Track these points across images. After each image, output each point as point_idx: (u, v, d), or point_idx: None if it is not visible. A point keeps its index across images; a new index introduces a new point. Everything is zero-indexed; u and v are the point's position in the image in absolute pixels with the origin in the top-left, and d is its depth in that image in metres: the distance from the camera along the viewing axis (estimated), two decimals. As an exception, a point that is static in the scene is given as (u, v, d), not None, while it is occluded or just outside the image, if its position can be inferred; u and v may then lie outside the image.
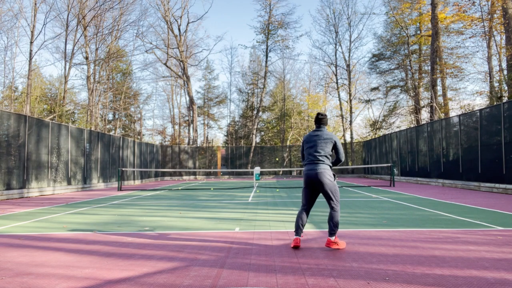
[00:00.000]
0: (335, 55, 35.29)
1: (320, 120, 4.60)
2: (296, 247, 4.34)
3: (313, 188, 4.43)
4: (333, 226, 4.26)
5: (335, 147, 4.50)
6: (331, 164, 4.45)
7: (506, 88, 19.65)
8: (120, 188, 16.45)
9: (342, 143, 33.69)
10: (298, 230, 4.39)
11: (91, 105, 26.82)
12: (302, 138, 38.79)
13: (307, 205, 4.49)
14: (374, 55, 34.92)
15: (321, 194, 4.93)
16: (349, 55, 34.65)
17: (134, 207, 9.20)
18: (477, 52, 33.07)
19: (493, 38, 21.01)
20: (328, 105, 42.59)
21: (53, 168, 14.87)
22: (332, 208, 4.33)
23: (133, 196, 12.85)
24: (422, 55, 30.33)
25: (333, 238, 4.26)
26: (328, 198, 4.34)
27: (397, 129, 32.94)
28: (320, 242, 4.70)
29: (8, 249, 4.55)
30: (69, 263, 3.84)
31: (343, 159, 4.57)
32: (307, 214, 4.48)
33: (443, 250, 4.16)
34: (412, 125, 30.50)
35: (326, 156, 4.41)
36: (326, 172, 4.32)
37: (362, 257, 3.91)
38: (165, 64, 35.72)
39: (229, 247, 4.51)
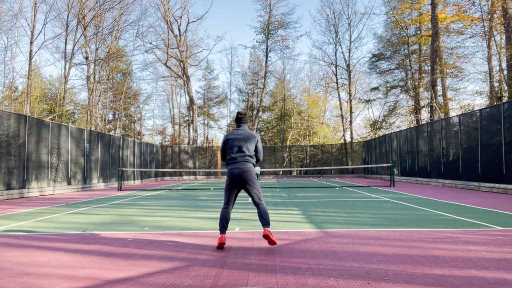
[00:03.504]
0: (335, 55, 35.32)
1: (241, 119, 4.72)
2: (222, 245, 4.35)
3: (238, 187, 4.50)
4: (266, 218, 4.35)
5: (256, 147, 4.60)
6: (254, 163, 4.58)
7: (506, 88, 19.66)
8: (120, 188, 16.45)
9: (341, 143, 33.68)
10: (223, 228, 4.43)
11: (91, 105, 26.82)
12: (301, 138, 38.80)
13: (231, 203, 4.56)
14: (374, 55, 34.92)
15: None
16: (349, 55, 34.66)
17: (134, 207, 9.20)
18: (477, 52, 33.10)
19: (493, 38, 21.01)
20: (328, 105, 42.67)
21: (53, 168, 14.87)
22: (259, 204, 4.46)
23: (133, 196, 12.85)
24: (422, 55, 30.32)
25: (269, 228, 4.32)
26: (254, 196, 4.48)
27: (397, 129, 32.93)
28: (320, 242, 4.70)
29: (8, 249, 4.55)
30: (69, 263, 3.84)
31: (261, 158, 4.68)
32: (230, 212, 4.54)
33: (443, 250, 4.16)
34: (412, 125, 30.50)
35: (250, 156, 4.52)
36: (251, 171, 4.46)
37: (362, 257, 3.91)
38: (165, 64, 35.73)
39: (229, 247, 4.51)
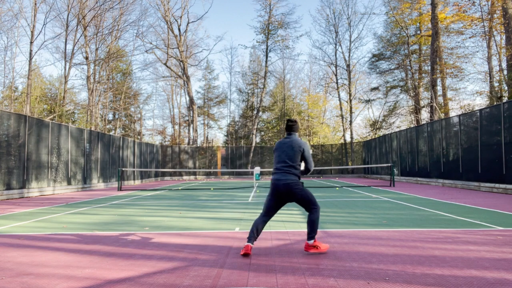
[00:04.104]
0: (335, 55, 35.32)
1: (290, 127, 4.45)
2: (246, 255, 4.07)
3: (279, 198, 4.23)
4: (309, 228, 4.10)
5: (303, 157, 4.30)
6: (299, 174, 4.27)
7: (506, 88, 19.65)
8: (120, 188, 16.45)
9: (341, 143, 33.65)
10: (251, 238, 4.13)
11: (91, 105, 26.82)
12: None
13: (268, 215, 4.29)
14: (374, 55, 34.92)
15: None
16: (349, 55, 34.66)
17: (134, 207, 9.20)
18: (477, 52, 33.13)
19: (493, 38, 21.01)
20: (328, 105, 42.66)
21: (53, 168, 14.87)
22: (310, 211, 4.18)
23: (133, 196, 12.85)
24: (422, 55, 30.32)
25: (311, 242, 4.07)
26: (305, 206, 4.19)
27: (397, 129, 32.92)
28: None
29: (8, 249, 4.55)
30: (69, 263, 3.84)
31: (311, 168, 4.36)
32: (265, 223, 4.27)
33: (443, 250, 4.16)
34: (412, 125, 30.49)
35: (293, 166, 4.22)
36: (293, 183, 4.14)
37: (362, 257, 3.91)
38: (165, 64, 35.72)
39: (229, 247, 4.51)
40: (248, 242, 4.12)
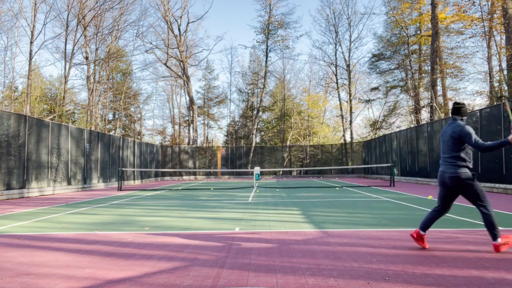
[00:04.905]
0: (335, 55, 35.33)
1: (457, 110, 4.14)
2: (412, 236, 4.26)
3: (448, 190, 4.12)
4: (489, 229, 3.99)
5: (464, 141, 3.98)
6: (466, 164, 4.00)
7: (506, 88, 19.65)
8: (120, 188, 16.45)
9: (341, 143, 33.61)
10: (423, 225, 4.21)
11: (91, 105, 26.82)
12: (301, 138, 38.82)
13: (441, 206, 4.23)
14: (374, 55, 34.90)
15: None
16: (349, 55, 34.67)
17: (134, 207, 9.20)
18: (477, 52, 33.08)
19: (493, 38, 21.00)
20: (328, 105, 42.67)
21: (53, 168, 14.87)
22: (479, 210, 4.04)
23: (133, 196, 12.85)
24: (422, 55, 30.31)
25: (498, 241, 3.97)
26: (472, 201, 4.04)
27: (397, 129, 32.91)
28: (320, 242, 4.70)
29: (8, 249, 4.55)
30: (69, 263, 3.84)
31: (481, 145, 3.92)
32: (437, 214, 4.21)
33: (443, 250, 4.16)
34: (412, 125, 30.49)
35: (453, 157, 4.01)
36: (455, 175, 3.98)
37: (362, 257, 3.91)
38: (165, 64, 35.72)
39: (229, 247, 4.51)
40: (419, 228, 4.26)
